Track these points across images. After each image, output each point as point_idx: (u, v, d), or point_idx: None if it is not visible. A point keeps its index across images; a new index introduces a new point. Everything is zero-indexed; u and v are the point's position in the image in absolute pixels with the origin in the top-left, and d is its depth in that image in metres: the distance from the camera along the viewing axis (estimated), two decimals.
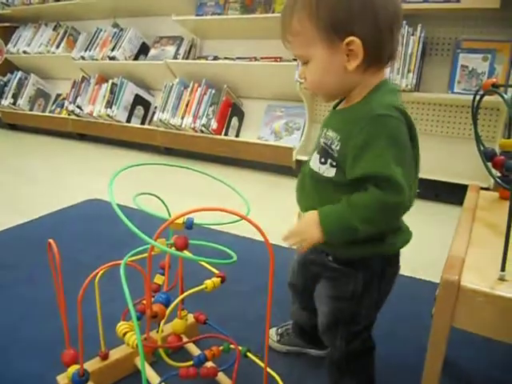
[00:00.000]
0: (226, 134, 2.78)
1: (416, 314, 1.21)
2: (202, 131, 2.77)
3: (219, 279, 0.80)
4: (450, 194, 2.17)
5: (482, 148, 0.97)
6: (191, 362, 0.81)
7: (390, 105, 0.66)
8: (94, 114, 3.23)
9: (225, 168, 2.70)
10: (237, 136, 2.83)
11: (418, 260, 1.57)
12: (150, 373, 0.94)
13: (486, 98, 2.09)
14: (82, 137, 3.59)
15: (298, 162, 2.45)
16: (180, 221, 0.65)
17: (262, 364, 0.83)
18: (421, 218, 2.06)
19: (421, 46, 2.02)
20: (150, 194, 0.86)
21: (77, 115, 3.41)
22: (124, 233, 1.75)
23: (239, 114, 2.87)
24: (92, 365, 0.91)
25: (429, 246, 1.70)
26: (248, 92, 2.87)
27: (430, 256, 1.61)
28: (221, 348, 0.84)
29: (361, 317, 0.78)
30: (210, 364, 0.87)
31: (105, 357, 0.94)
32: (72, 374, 0.75)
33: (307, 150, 2.49)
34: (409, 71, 2.02)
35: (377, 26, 0.65)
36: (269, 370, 0.82)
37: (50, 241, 0.75)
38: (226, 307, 1.21)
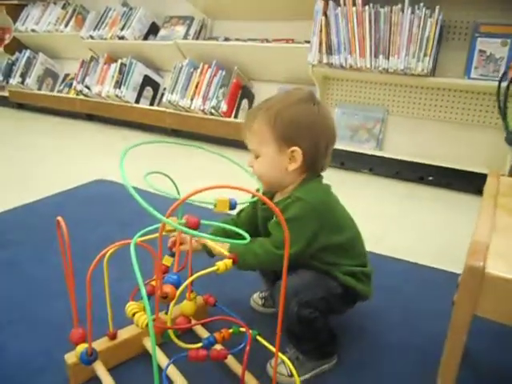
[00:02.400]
0: (235, 117, 2.74)
1: (426, 301, 1.20)
2: (211, 113, 2.73)
3: (231, 261, 0.78)
4: (464, 182, 2.14)
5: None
6: (200, 344, 0.79)
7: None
8: (103, 95, 3.20)
9: (234, 151, 2.66)
10: None
11: (427, 247, 1.55)
12: (158, 354, 0.93)
13: (502, 84, 2.03)
14: (89, 117, 3.57)
15: None
16: (226, 201, 0.64)
17: (272, 348, 0.82)
18: (432, 205, 2.04)
19: (438, 29, 1.96)
20: (161, 173, 0.84)
21: (85, 95, 3.39)
22: (132, 213, 1.75)
23: (249, 96, 2.83)
24: (100, 344, 0.90)
25: (439, 233, 1.67)
26: (258, 74, 2.83)
27: (439, 243, 1.59)
28: (230, 331, 0.83)
29: (317, 300, 0.86)
30: (219, 347, 0.85)
31: (113, 337, 0.93)
32: (80, 353, 0.74)
33: None
34: (425, 55, 1.97)
35: (315, 144, 0.86)
36: (280, 355, 0.81)
37: (59, 218, 0.74)
38: (234, 290, 1.20)
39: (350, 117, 2.47)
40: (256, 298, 1.15)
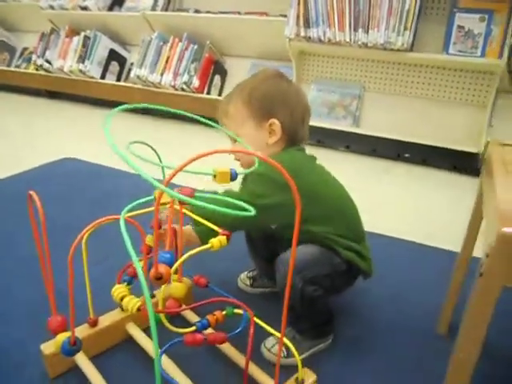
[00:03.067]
0: (208, 93, 2.64)
1: (414, 276, 1.18)
2: (182, 89, 2.62)
3: (225, 237, 0.72)
4: (440, 158, 2.14)
5: None
6: (194, 328, 0.73)
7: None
8: (65, 70, 3.01)
9: (207, 129, 2.57)
10: (219, 95, 2.70)
11: (405, 223, 1.53)
12: (144, 340, 0.86)
13: (479, 60, 2.03)
14: (51, 94, 3.36)
15: None
16: (226, 173, 0.58)
17: (270, 330, 0.77)
18: (409, 182, 2.04)
19: (418, 1, 1.92)
20: (144, 143, 0.76)
21: (46, 70, 3.18)
22: (104, 193, 1.65)
23: (222, 72, 2.73)
24: (80, 332, 0.82)
25: (416, 210, 1.67)
26: (231, 49, 2.72)
27: (417, 219, 1.58)
28: (224, 313, 0.77)
29: (322, 277, 0.83)
30: (211, 330, 0.80)
31: (94, 323, 0.86)
32: (62, 343, 0.67)
33: None
34: (405, 29, 1.93)
35: (291, 114, 0.88)
36: (277, 334, 0.76)
37: (31, 192, 0.65)
38: (218, 270, 1.14)
39: (327, 94, 2.42)
40: (244, 278, 1.10)
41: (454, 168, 2.14)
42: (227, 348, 0.83)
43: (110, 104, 3.03)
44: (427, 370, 0.87)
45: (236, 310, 0.79)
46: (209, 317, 0.76)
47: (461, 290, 0.93)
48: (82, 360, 0.81)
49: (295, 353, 0.72)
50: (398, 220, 1.55)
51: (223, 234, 0.73)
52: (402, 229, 1.45)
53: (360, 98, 2.36)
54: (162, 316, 0.69)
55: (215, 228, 0.75)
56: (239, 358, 0.81)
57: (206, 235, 0.77)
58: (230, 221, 0.76)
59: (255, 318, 0.78)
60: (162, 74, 2.65)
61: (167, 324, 0.70)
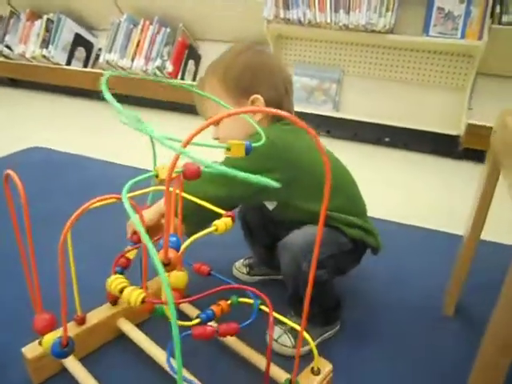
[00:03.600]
0: (182, 78, 2.54)
1: (419, 262, 1.15)
2: (155, 75, 2.51)
3: (229, 219, 0.65)
4: (420, 142, 2.13)
5: None
6: (198, 320, 0.66)
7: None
8: (27, 55, 2.83)
9: (181, 116, 2.48)
10: (193, 81, 2.60)
11: (389, 206, 1.51)
12: (139, 336, 0.79)
13: (460, 42, 2.02)
14: (13, 82, 3.16)
15: None
16: (241, 145, 0.51)
17: (287, 321, 0.70)
18: (390, 166, 2.01)
19: None
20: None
21: (6, 57, 2.98)
22: (80, 183, 1.53)
23: (196, 57, 2.63)
24: (67, 331, 0.74)
25: (398, 193, 1.65)
26: (205, 33, 2.62)
27: (400, 202, 1.56)
28: (229, 302, 0.70)
29: (329, 258, 0.77)
30: (211, 324, 0.73)
31: (81, 321, 0.78)
32: (52, 344, 0.58)
33: None
34: (387, 10, 1.89)
35: (274, 86, 0.81)
36: (286, 321, 0.70)
37: (9, 172, 0.57)
38: (212, 258, 1.07)
39: (306, 78, 2.36)
40: (240, 267, 1.03)
41: (434, 151, 2.14)
42: (232, 341, 0.76)
43: (77, 92, 2.88)
44: (438, 352, 0.84)
45: (241, 299, 0.72)
46: (214, 307, 0.69)
47: (468, 273, 0.91)
48: (70, 362, 0.72)
49: (311, 342, 0.66)
50: (384, 204, 1.52)
51: (227, 216, 0.66)
52: (390, 212, 1.42)
53: (339, 82, 2.32)
54: (165, 308, 0.61)
55: (218, 210, 0.68)
56: (246, 351, 0.75)
57: (194, 224, 0.72)
58: (225, 194, 0.73)
59: (262, 306, 0.71)
60: (132, 59, 2.53)
61: (170, 316, 0.62)
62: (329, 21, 1.99)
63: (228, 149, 0.55)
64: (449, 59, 2.11)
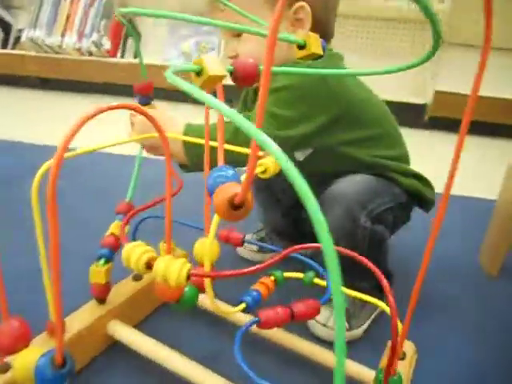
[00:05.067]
0: (122, 57, 2.26)
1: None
2: (90, 53, 2.21)
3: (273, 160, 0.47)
4: None
5: None
6: (243, 306, 0.47)
7: None
8: None
9: (126, 99, 2.20)
10: (135, 58, 2.33)
11: None
12: (144, 343, 0.57)
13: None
14: None
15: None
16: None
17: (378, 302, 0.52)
18: None
19: None
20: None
21: None
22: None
23: (135, 34, 2.36)
24: (40, 345, 0.51)
25: None
26: (146, 8, 2.36)
27: None
28: (272, 278, 0.52)
29: (386, 212, 0.63)
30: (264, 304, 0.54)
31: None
32: (37, 367, 0.36)
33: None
34: None
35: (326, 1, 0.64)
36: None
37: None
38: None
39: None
40: (249, 245, 0.83)
41: (400, 122, 2.07)
42: (272, 333, 0.57)
43: None
44: (496, 315, 0.72)
45: (288, 274, 0.54)
46: (258, 286, 0.49)
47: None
48: None
49: (398, 322, 0.49)
50: None
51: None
52: None
53: None
54: (209, 289, 0.41)
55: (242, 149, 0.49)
56: (300, 345, 0.56)
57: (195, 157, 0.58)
58: (295, 133, 0.59)
59: (317, 280, 0.53)
60: (62, 35, 2.21)
61: (213, 302, 0.42)
62: None
63: (302, 46, 0.37)
64: (412, 28, 2.04)
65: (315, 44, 0.36)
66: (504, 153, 0.92)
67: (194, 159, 0.59)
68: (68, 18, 2.22)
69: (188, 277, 0.34)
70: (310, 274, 0.52)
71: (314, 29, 0.62)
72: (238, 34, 0.64)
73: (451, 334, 0.68)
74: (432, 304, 0.74)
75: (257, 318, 0.42)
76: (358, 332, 0.63)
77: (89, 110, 0.30)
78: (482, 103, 1.82)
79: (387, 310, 0.48)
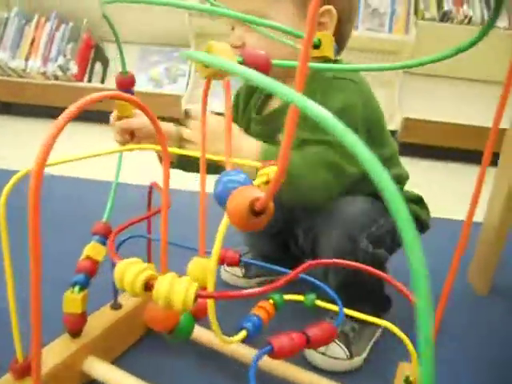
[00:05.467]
0: (89, 81, 2.21)
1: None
2: (56, 77, 2.15)
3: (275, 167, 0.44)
4: None
5: None
6: (244, 334, 0.42)
7: None
8: None
9: (91, 126, 2.13)
10: (102, 83, 2.28)
11: None
12: (119, 377, 0.51)
13: (388, 37, 1.99)
14: None
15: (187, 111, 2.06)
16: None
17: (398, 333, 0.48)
18: None
19: None
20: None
21: None
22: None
23: (103, 59, 2.32)
24: None
25: None
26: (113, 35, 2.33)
27: None
28: (272, 301, 0.47)
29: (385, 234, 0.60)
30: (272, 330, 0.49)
31: (25, 370, 0.48)
32: None
33: (197, 99, 2.12)
34: None
35: (351, 8, 0.62)
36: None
37: None
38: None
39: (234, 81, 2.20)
40: (231, 268, 0.79)
41: None
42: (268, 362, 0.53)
43: None
44: (491, 331, 0.71)
45: (288, 296, 0.50)
46: (257, 311, 0.45)
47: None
48: None
49: (410, 346, 0.46)
50: None
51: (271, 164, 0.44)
52: None
53: None
54: (213, 320, 0.37)
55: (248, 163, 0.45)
56: (286, 369, 0.52)
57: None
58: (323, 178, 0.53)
59: (319, 301, 0.50)
60: (27, 59, 2.14)
61: (218, 331, 0.38)
62: None
63: (316, 45, 0.35)
64: (380, 58, 2.10)
65: (329, 46, 0.34)
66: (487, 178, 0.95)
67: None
68: (33, 41, 2.16)
69: (195, 298, 0.30)
70: (311, 296, 0.48)
71: (335, 34, 0.60)
72: (244, 25, 0.60)
73: (449, 354, 0.66)
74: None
75: (269, 347, 0.38)
76: (359, 360, 0.59)
77: (71, 107, 0.27)
78: (468, 131, 1.88)
79: (395, 330, 0.45)
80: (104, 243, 0.53)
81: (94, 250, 0.54)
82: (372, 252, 0.56)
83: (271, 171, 0.40)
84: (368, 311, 0.59)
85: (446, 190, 1.49)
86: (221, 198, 0.28)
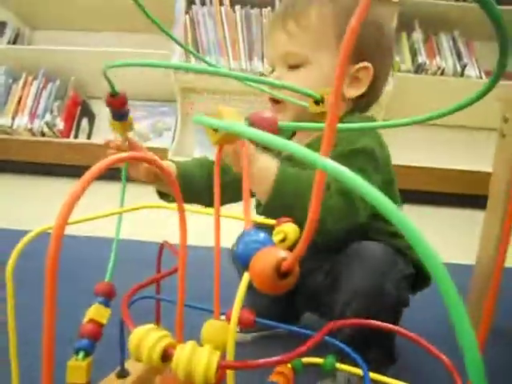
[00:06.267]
0: (75, 137, 2.22)
1: None
2: (43, 134, 2.16)
3: (296, 227, 0.44)
4: None
5: None
6: None
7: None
8: None
9: (95, 183, 2.12)
10: (88, 139, 2.30)
11: None
12: None
13: None
14: None
15: None
16: None
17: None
18: None
19: None
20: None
21: None
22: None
23: (89, 115, 2.35)
24: None
25: None
26: (100, 91, 2.37)
27: None
28: (289, 366, 0.46)
29: (405, 279, 0.60)
30: None
31: None
32: None
33: (183, 152, 2.14)
34: None
35: (386, 68, 0.64)
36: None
37: None
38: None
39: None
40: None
41: None
42: None
43: None
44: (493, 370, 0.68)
45: (307, 359, 0.48)
46: (276, 377, 0.43)
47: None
48: None
49: None
50: None
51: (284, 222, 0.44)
52: None
53: None
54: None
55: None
56: None
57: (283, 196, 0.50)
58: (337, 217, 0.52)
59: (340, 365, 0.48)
60: (13, 117, 2.15)
61: None
62: (244, 67, 1.93)
63: (320, 101, 0.37)
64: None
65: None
66: (473, 222, 0.96)
67: (277, 200, 0.51)
68: (20, 100, 2.18)
69: (217, 369, 0.29)
70: (331, 358, 0.47)
71: (367, 91, 0.62)
72: (295, 66, 0.60)
73: None
74: (423, 377, 0.70)
75: None
76: None
77: (98, 164, 0.27)
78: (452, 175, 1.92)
79: None
80: (107, 304, 0.51)
81: (97, 312, 0.52)
82: (397, 296, 0.55)
83: (288, 229, 0.40)
84: (377, 358, 0.58)
85: (451, 235, 1.51)
86: (243, 260, 0.28)
